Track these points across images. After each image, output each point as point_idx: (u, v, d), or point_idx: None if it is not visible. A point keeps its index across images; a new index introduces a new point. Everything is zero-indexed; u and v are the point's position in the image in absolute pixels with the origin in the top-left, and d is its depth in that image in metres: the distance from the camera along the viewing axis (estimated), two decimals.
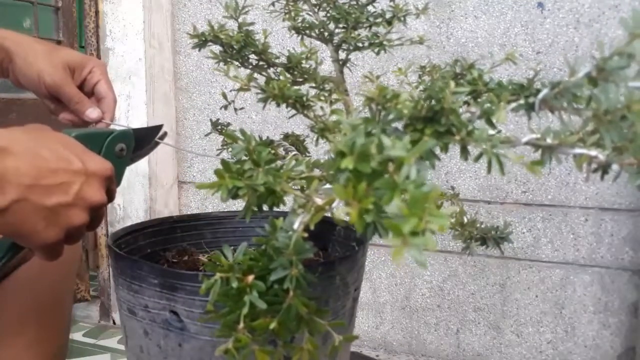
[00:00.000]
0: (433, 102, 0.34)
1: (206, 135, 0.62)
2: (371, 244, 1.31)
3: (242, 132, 0.38)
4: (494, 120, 0.37)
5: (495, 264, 1.24)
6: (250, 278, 0.34)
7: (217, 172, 0.36)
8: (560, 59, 1.15)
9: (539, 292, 1.23)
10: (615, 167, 0.34)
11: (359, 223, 0.24)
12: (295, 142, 0.62)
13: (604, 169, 0.35)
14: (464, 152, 0.35)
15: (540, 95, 0.36)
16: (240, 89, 0.54)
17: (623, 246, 1.16)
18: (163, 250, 0.72)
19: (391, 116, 0.33)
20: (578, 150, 0.35)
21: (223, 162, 0.36)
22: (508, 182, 1.21)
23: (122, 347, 1.35)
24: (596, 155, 0.34)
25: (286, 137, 0.62)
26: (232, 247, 0.37)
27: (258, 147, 0.37)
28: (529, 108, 0.38)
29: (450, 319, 1.30)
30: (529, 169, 0.35)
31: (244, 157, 0.37)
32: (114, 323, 1.48)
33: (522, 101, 0.38)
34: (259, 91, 0.52)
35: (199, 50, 0.56)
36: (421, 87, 0.56)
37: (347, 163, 0.25)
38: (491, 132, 0.34)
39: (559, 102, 0.35)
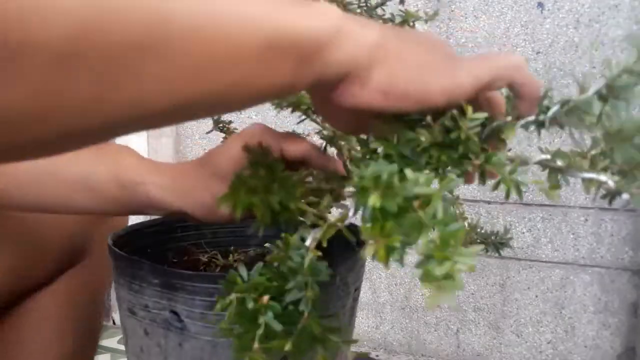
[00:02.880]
0: (450, 131, 0.33)
1: (207, 133, 0.62)
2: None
3: (260, 146, 0.38)
4: (503, 138, 0.36)
5: (495, 264, 1.24)
6: (266, 299, 0.34)
7: (232, 186, 0.36)
8: (560, 59, 1.15)
9: (539, 292, 1.23)
10: (625, 196, 0.34)
11: (385, 260, 0.24)
12: None
13: (613, 195, 0.35)
14: (482, 178, 0.35)
15: (550, 113, 0.36)
16: None
17: (623, 246, 1.16)
18: (163, 250, 0.72)
19: (410, 144, 0.33)
20: (587, 175, 0.35)
21: (238, 175, 0.36)
22: None
23: (122, 347, 1.35)
24: (606, 181, 0.34)
25: None
26: (231, 248, 0.37)
27: (273, 163, 0.37)
28: (539, 125, 0.38)
29: (450, 319, 1.30)
30: (547, 194, 0.35)
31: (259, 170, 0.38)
32: (114, 323, 1.48)
33: (531, 118, 0.37)
34: None
35: None
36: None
37: (375, 201, 0.25)
38: (508, 156, 0.34)
39: (569, 120, 0.35)
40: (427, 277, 0.22)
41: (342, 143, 0.52)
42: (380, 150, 0.35)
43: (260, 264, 0.37)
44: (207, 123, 0.69)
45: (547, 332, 1.23)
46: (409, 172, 0.26)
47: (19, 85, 0.21)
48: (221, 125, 0.64)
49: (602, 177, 0.34)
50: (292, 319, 0.34)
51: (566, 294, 1.21)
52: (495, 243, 0.57)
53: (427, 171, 0.33)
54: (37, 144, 0.24)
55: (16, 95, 0.21)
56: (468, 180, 0.38)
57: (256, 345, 0.33)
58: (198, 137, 1.44)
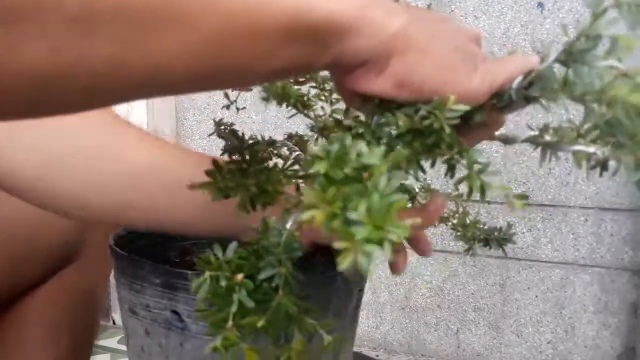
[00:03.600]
0: (427, 119, 0.33)
1: (209, 136, 0.62)
2: None
3: (234, 132, 0.38)
4: (477, 121, 0.36)
5: (495, 264, 1.24)
6: (240, 277, 0.34)
7: (207, 171, 0.36)
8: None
9: (539, 292, 1.23)
10: (612, 163, 0.34)
11: (325, 227, 0.24)
12: (299, 142, 0.62)
13: (603, 165, 0.35)
14: (451, 171, 0.34)
15: (515, 85, 0.35)
16: (242, 89, 0.54)
17: (623, 246, 1.16)
18: (165, 250, 0.72)
19: (385, 127, 0.33)
20: (577, 147, 0.35)
21: (214, 161, 0.36)
22: (508, 182, 1.21)
23: (122, 347, 1.35)
24: (594, 152, 0.34)
25: (290, 137, 0.62)
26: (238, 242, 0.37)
27: (250, 146, 0.37)
28: (508, 101, 0.37)
29: (450, 319, 1.30)
30: (510, 204, 0.34)
31: (237, 157, 0.37)
32: (114, 323, 1.48)
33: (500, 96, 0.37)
34: (261, 91, 0.52)
35: None
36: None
37: (319, 167, 0.25)
38: (482, 159, 0.33)
39: (534, 91, 0.35)
40: (345, 237, 0.22)
41: (333, 135, 0.52)
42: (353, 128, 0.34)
43: (235, 242, 0.37)
44: (208, 123, 0.69)
45: (547, 332, 1.23)
46: (363, 145, 0.26)
47: (38, 43, 0.21)
48: (223, 127, 0.64)
49: (591, 149, 0.34)
50: (267, 296, 0.34)
51: (566, 294, 1.21)
52: (498, 239, 0.57)
53: (400, 150, 0.32)
54: (62, 100, 0.25)
55: (36, 52, 0.21)
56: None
57: (230, 322, 0.33)
58: (198, 137, 1.44)
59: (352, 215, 0.22)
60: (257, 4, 0.28)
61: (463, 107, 0.32)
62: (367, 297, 1.35)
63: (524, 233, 1.22)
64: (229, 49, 0.27)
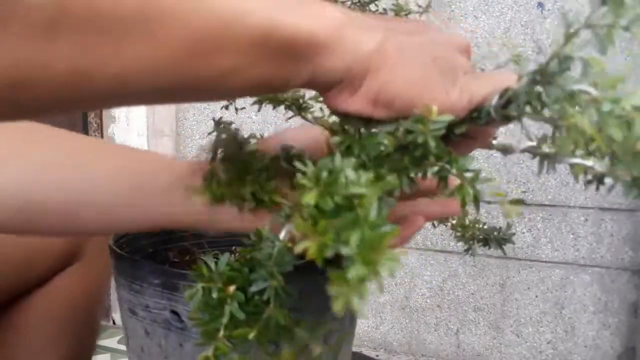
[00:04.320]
0: (411, 134, 0.32)
1: (209, 134, 0.62)
2: None
3: (234, 137, 0.38)
4: (460, 132, 0.35)
5: (495, 264, 1.24)
6: (232, 288, 0.34)
7: (205, 178, 0.36)
8: None
9: (539, 292, 1.23)
10: (608, 180, 0.33)
11: (318, 258, 0.24)
12: None
13: (599, 180, 0.34)
14: (443, 182, 0.33)
15: (493, 103, 0.34)
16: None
17: (623, 246, 1.16)
18: (164, 249, 0.72)
19: (373, 143, 0.32)
20: (574, 160, 0.35)
21: (211, 170, 0.36)
22: (508, 182, 1.21)
23: (122, 347, 1.35)
24: (592, 165, 0.34)
25: None
26: (232, 247, 0.37)
27: (249, 155, 0.37)
28: (488, 118, 0.36)
29: (450, 319, 1.30)
30: (505, 211, 0.33)
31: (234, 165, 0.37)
32: (114, 323, 1.48)
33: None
34: None
35: None
36: None
37: (310, 199, 0.25)
38: (473, 166, 0.33)
39: (511, 110, 0.34)
40: (336, 280, 0.22)
41: (321, 160, 0.52)
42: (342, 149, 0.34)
43: (227, 254, 0.37)
44: (208, 123, 0.69)
45: (547, 332, 1.23)
46: (349, 171, 0.26)
47: (1, 53, 0.21)
48: (222, 125, 0.64)
49: (589, 162, 0.34)
50: (258, 308, 0.34)
51: (566, 294, 1.21)
52: (498, 239, 0.57)
53: (389, 175, 0.32)
54: (28, 107, 0.25)
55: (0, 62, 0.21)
56: (427, 187, 0.37)
57: (221, 333, 0.34)
58: (198, 137, 1.44)
59: (345, 250, 0.22)
60: (232, 17, 0.27)
61: (446, 118, 0.32)
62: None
63: (524, 233, 1.22)
64: (200, 62, 0.27)
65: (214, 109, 1.42)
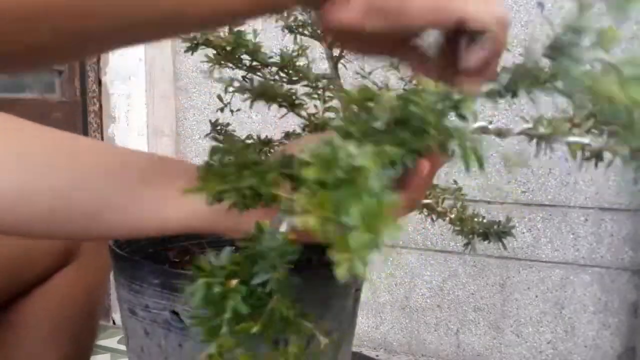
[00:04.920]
0: (409, 105, 0.32)
1: (206, 136, 0.62)
2: None
3: (225, 135, 0.37)
4: (464, 112, 0.35)
5: (495, 264, 1.24)
6: (234, 282, 0.34)
7: (200, 176, 0.36)
8: None
9: (539, 292, 1.23)
10: (608, 155, 0.33)
11: (322, 232, 0.24)
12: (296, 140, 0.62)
13: (597, 156, 0.34)
14: (444, 150, 0.32)
15: (503, 80, 0.35)
16: (235, 91, 0.54)
17: (623, 246, 1.16)
18: (164, 249, 0.72)
19: (371, 121, 0.32)
20: (571, 139, 0.35)
21: (206, 166, 0.36)
22: (508, 182, 1.21)
23: (122, 347, 1.35)
24: (589, 142, 0.34)
25: (287, 135, 0.62)
26: (233, 247, 0.37)
27: (241, 148, 0.37)
28: (497, 95, 0.36)
29: (450, 319, 1.30)
30: (510, 166, 0.33)
31: (229, 159, 0.37)
32: (114, 323, 1.48)
33: (486, 88, 0.36)
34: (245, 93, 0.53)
35: (192, 54, 0.56)
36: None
37: (310, 173, 0.25)
38: (490, 129, 0.33)
39: (522, 85, 0.34)
40: (339, 247, 0.22)
41: (322, 137, 0.52)
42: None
43: (228, 248, 0.36)
44: (208, 123, 0.69)
45: (547, 332, 1.23)
46: (351, 147, 0.26)
47: None
48: (219, 127, 0.64)
49: (585, 140, 0.34)
50: (261, 301, 0.34)
51: (566, 294, 1.21)
52: (498, 232, 0.57)
53: (389, 147, 0.32)
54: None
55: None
56: (432, 159, 0.37)
57: (224, 329, 0.33)
58: (198, 137, 1.44)
59: (346, 220, 0.22)
60: None
61: (440, 89, 0.31)
62: (367, 297, 1.35)
63: (524, 233, 1.22)
64: None
65: (214, 109, 1.42)
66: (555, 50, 0.31)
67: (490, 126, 0.38)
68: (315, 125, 0.54)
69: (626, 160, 0.31)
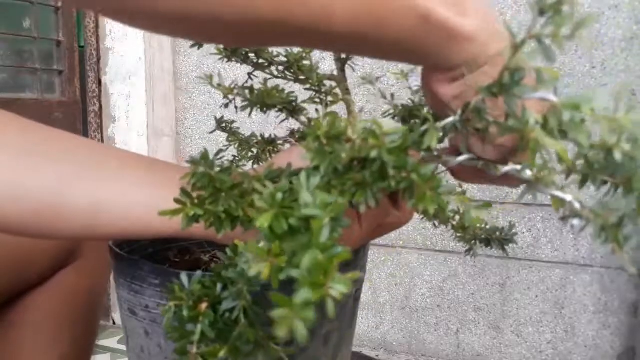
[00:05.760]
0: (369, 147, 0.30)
1: (210, 133, 0.62)
2: (371, 243, 1.31)
3: (204, 156, 0.37)
4: (425, 147, 0.33)
5: (495, 264, 1.24)
6: (203, 306, 0.34)
7: (176, 200, 0.36)
8: (560, 59, 1.15)
9: (539, 292, 1.23)
10: (575, 222, 0.30)
11: (273, 279, 0.24)
12: (302, 138, 0.61)
13: (575, 215, 0.31)
14: (410, 194, 0.31)
15: (450, 120, 0.33)
16: (234, 99, 0.55)
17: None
18: (164, 249, 0.72)
19: (335, 160, 0.31)
20: (554, 192, 0.33)
21: (183, 190, 0.36)
22: None
23: (122, 347, 1.35)
24: (570, 200, 0.31)
25: (292, 133, 0.62)
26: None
27: (220, 175, 0.37)
28: (455, 130, 0.34)
29: (450, 319, 1.30)
30: (471, 218, 0.32)
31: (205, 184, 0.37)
32: (114, 323, 1.48)
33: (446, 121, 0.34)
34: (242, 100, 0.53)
35: (198, 49, 0.56)
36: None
37: (263, 222, 0.25)
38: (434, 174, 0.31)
39: (474, 123, 0.33)
40: (281, 304, 0.21)
41: (279, 185, 0.52)
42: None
43: (199, 272, 0.37)
44: (208, 123, 0.69)
45: (547, 332, 1.23)
46: (306, 194, 0.26)
47: None
48: (224, 125, 0.64)
49: (568, 197, 0.32)
50: (229, 327, 0.35)
51: (566, 294, 1.21)
52: (500, 239, 0.57)
53: (354, 189, 0.31)
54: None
55: None
56: (395, 204, 0.39)
57: (194, 350, 0.34)
58: (198, 137, 1.44)
59: (293, 273, 0.22)
60: None
61: (397, 129, 0.30)
62: (367, 297, 1.35)
63: (524, 233, 1.22)
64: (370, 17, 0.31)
65: (214, 109, 1.42)
66: (500, 88, 0.31)
67: (478, 165, 0.37)
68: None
69: (596, 231, 0.29)
